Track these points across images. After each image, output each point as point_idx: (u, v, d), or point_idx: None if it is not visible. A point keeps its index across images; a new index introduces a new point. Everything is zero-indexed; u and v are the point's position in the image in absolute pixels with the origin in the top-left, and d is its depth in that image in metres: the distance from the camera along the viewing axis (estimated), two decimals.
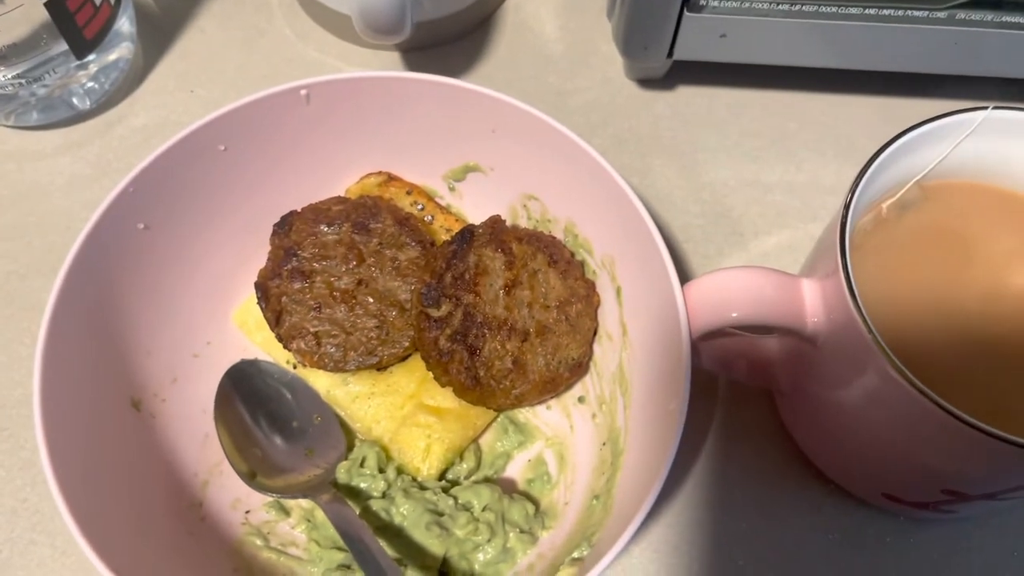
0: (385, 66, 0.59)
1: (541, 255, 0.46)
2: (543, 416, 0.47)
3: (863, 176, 0.37)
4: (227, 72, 0.59)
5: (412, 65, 0.59)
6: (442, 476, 0.45)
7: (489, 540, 0.41)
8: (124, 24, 0.57)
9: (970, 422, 0.32)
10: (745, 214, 0.54)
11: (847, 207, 0.37)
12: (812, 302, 0.39)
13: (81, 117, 0.57)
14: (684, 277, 0.52)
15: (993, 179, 0.41)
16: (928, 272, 0.40)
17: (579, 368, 0.46)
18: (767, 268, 0.40)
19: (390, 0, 0.46)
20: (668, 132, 0.57)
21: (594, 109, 0.57)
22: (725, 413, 0.48)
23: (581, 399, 0.47)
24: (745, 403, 0.48)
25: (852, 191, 0.37)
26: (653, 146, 0.56)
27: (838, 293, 0.36)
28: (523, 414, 0.48)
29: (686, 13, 0.49)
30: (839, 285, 0.36)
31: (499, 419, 0.47)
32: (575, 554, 0.39)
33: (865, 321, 0.34)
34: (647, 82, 0.58)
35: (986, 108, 0.39)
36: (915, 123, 0.39)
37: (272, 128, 0.46)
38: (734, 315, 0.39)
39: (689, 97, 0.58)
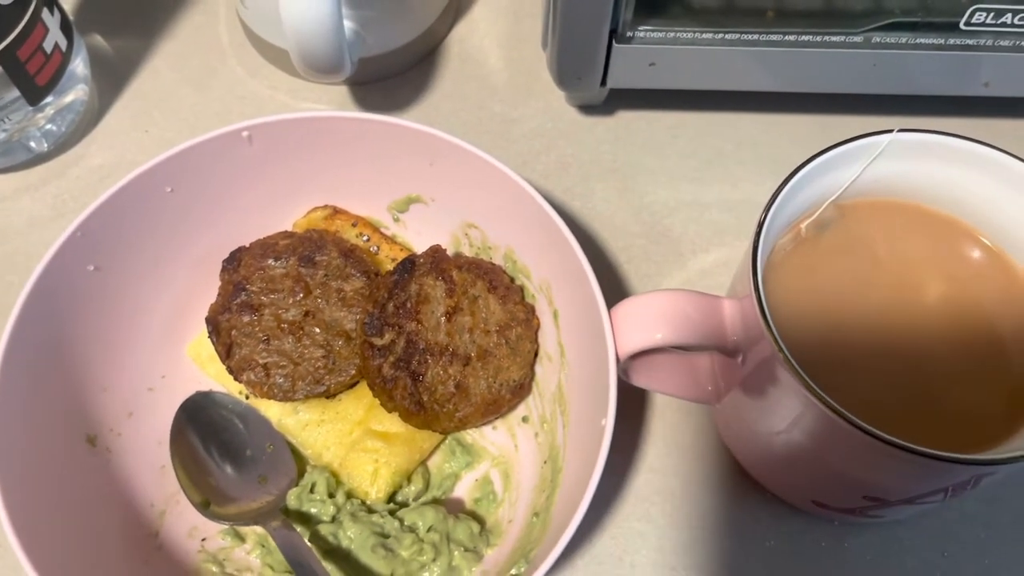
0: (334, 100, 0.61)
1: (481, 282, 0.48)
2: (489, 436, 0.49)
3: (774, 202, 0.39)
4: (181, 111, 0.60)
5: (360, 99, 0.61)
6: (391, 499, 0.47)
7: (434, 559, 0.43)
8: (79, 66, 0.59)
9: (875, 434, 0.34)
10: (684, 233, 0.56)
11: (759, 231, 0.39)
12: (732, 321, 0.41)
13: (39, 159, 0.58)
14: (624, 297, 0.54)
15: (903, 195, 0.43)
16: (841, 288, 0.41)
17: (521, 390, 0.48)
18: (689, 291, 0.41)
19: (327, 42, 0.48)
20: (609, 156, 0.59)
21: (538, 136, 0.59)
22: (665, 427, 0.50)
23: (525, 419, 0.49)
24: (685, 417, 0.50)
25: (764, 216, 0.39)
26: (595, 170, 0.58)
27: (753, 312, 0.38)
28: (470, 435, 0.49)
29: (615, 44, 0.50)
30: (753, 305, 0.37)
31: (447, 441, 0.49)
32: (513, 571, 0.41)
33: (775, 339, 0.36)
34: (588, 108, 0.60)
35: (891, 132, 0.41)
36: (824, 147, 0.41)
37: (216, 168, 0.47)
38: (658, 336, 0.41)
39: (628, 121, 0.60)
